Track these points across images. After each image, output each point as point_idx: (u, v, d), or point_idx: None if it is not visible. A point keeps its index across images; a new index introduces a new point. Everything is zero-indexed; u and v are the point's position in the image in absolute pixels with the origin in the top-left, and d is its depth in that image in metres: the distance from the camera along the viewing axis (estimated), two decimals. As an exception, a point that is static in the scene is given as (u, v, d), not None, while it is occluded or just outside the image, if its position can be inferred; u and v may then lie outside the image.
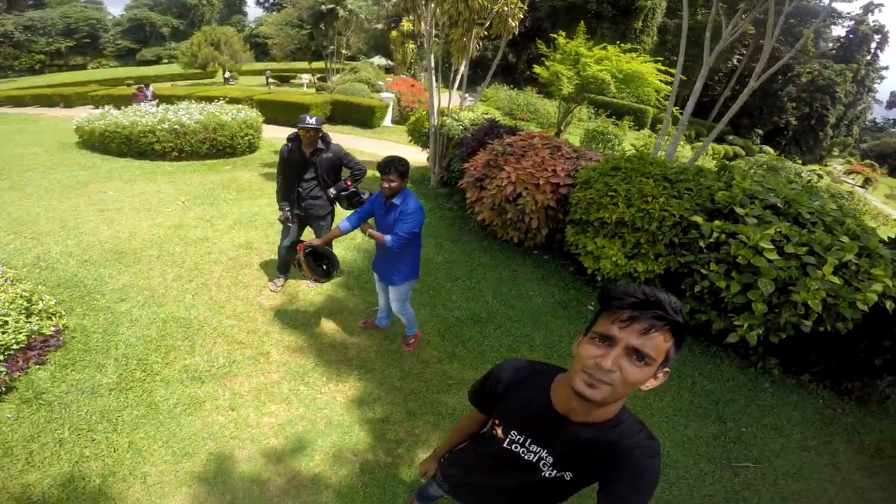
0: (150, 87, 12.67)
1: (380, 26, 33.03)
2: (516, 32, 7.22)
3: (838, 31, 39.73)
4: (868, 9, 39.53)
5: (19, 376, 2.86)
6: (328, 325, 3.74)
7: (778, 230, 3.25)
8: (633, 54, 9.83)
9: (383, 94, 15.55)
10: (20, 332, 2.94)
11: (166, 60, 51.81)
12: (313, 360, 3.33)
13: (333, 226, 3.72)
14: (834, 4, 29.42)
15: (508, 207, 4.84)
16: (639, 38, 29.95)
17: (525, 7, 7.08)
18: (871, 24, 39.69)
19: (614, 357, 0.87)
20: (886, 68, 42.40)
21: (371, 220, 3.07)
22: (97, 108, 10.12)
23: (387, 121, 13.89)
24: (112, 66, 54.32)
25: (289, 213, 3.86)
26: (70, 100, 17.83)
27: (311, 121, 3.57)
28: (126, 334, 3.38)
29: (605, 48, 9.81)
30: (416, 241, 3.01)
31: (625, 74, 9.36)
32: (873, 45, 39.98)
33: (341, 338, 3.61)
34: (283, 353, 3.37)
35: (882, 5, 39.63)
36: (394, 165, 2.79)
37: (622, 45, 10.15)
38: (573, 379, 0.92)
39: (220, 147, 8.34)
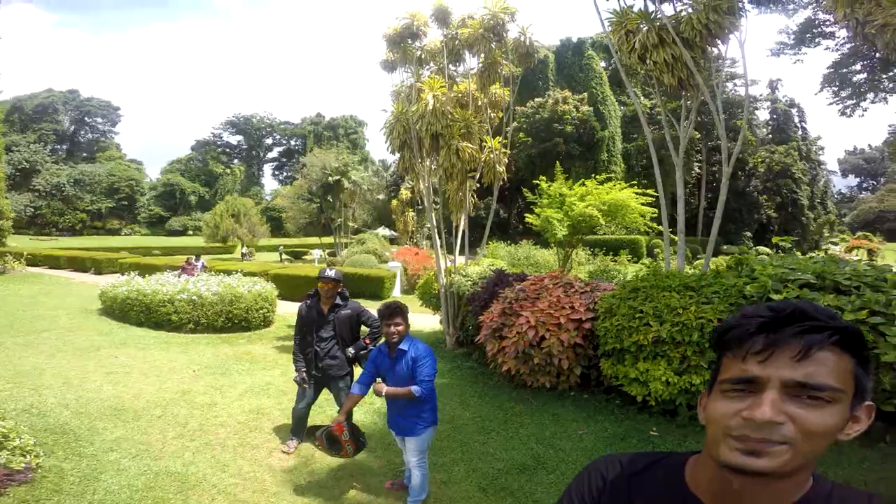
0: (202, 260, 13.09)
1: (381, 197, 36.94)
2: (505, 178, 7.85)
3: (763, 115, 43.74)
4: (772, 87, 44.60)
5: None
6: (349, 488, 3.40)
7: (826, 304, 3.10)
8: (610, 184, 10.75)
9: (390, 264, 15.75)
10: None
11: (191, 232, 55.90)
12: (335, 524, 2.96)
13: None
14: (737, 91, 33.66)
15: (534, 353, 4.67)
16: (609, 169, 33.16)
17: (508, 151, 7.78)
18: (783, 101, 44.29)
19: (772, 403, 0.59)
20: (819, 138, 45.78)
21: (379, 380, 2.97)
22: (123, 274, 10.58)
23: (396, 291, 13.80)
24: (143, 233, 58.68)
25: (304, 374, 3.76)
26: (101, 266, 18.61)
27: (330, 273, 3.67)
28: (109, 482, 3.24)
29: (583, 184, 10.77)
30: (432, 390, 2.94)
31: (608, 206, 10.05)
32: (796, 119, 44.01)
33: (366, 500, 3.23)
34: None
35: (780, 80, 45.12)
36: (398, 310, 2.80)
37: (597, 176, 11.18)
38: (718, 451, 0.63)
39: (236, 320, 8.49)
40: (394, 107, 7.42)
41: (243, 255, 29.96)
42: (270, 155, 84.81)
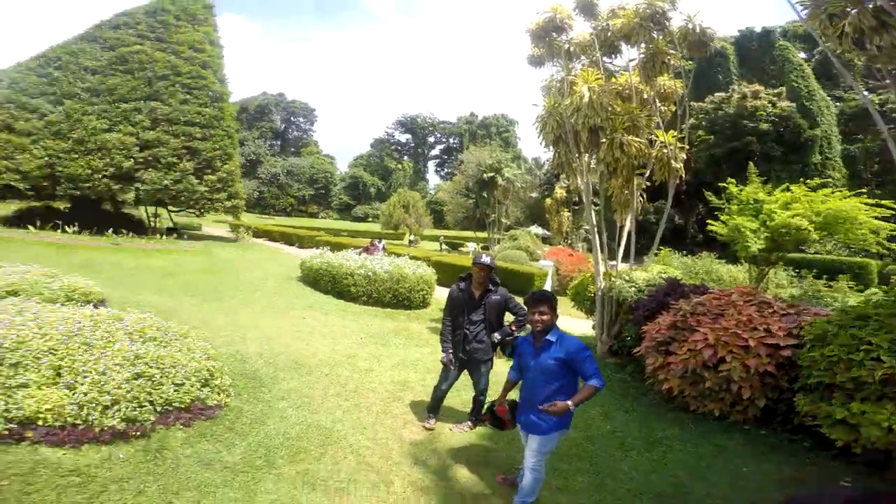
0: (382, 242, 15.35)
1: (534, 195, 36.69)
2: (683, 175, 7.01)
3: None
4: None
5: (161, 429, 3.27)
6: (462, 473, 3.51)
7: None
8: (827, 190, 8.47)
9: (542, 262, 15.70)
10: (188, 395, 3.50)
11: (370, 219, 63.86)
12: (435, 502, 3.12)
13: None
14: None
15: (707, 375, 4.14)
16: (823, 174, 26.72)
17: (686, 147, 6.93)
18: None
19: None
20: None
21: None
22: (318, 249, 12.86)
23: (546, 288, 13.78)
24: (334, 217, 69.21)
25: (451, 356, 3.90)
26: (303, 241, 22.88)
27: (485, 259, 3.77)
28: (271, 427, 3.71)
29: (788, 189, 8.71)
30: (574, 386, 2.76)
31: (824, 217, 7.90)
32: None
33: (474, 488, 3.32)
34: (407, 487, 3.25)
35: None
36: (545, 298, 2.73)
37: (808, 182, 8.88)
38: None
39: (400, 297, 9.53)
40: (545, 101, 7.22)
41: (410, 241, 33.03)
42: (433, 152, 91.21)
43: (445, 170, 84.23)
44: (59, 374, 3.22)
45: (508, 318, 4.10)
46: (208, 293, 8.96)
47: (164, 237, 17.15)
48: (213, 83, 19.18)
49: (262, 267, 13.64)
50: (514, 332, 3.81)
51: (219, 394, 3.88)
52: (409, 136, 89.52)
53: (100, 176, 16.18)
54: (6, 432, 2.82)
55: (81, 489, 2.67)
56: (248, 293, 9.42)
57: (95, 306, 5.57)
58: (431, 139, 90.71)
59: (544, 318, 2.73)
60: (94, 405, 3.08)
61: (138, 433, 3.16)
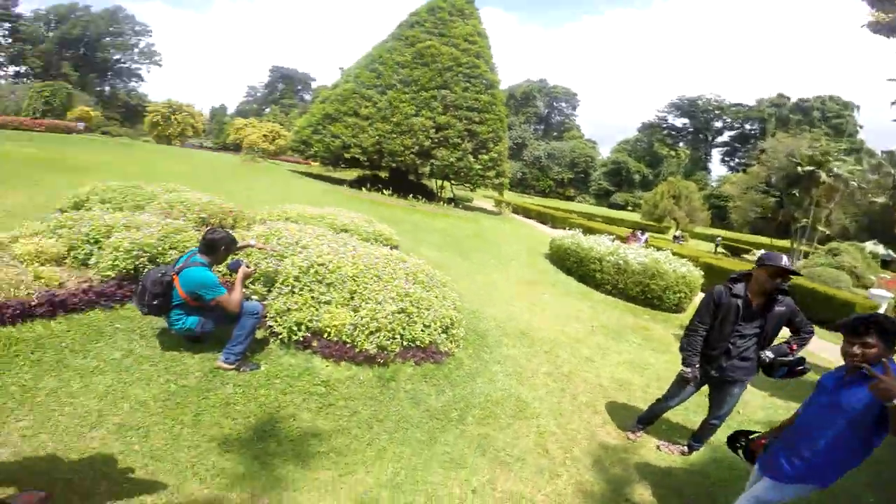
0: (645, 235, 14.49)
1: (880, 200, 26.15)
2: None
3: None
4: None
5: (399, 362, 3.74)
6: (642, 493, 3.08)
7: None
8: None
9: (874, 292, 11.66)
10: (429, 337, 3.98)
11: (630, 208, 60.57)
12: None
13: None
14: None
15: None
16: None
17: None
18: None
19: None
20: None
21: None
22: (569, 229, 12.81)
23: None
24: (590, 202, 68.77)
25: (697, 371, 3.18)
26: (555, 221, 23.89)
27: (784, 261, 2.84)
28: (477, 386, 3.90)
29: None
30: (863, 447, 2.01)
31: None
32: None
33: None
34: (571, 485, 3.04)
35: None
36: (876, 324, 1.89)
37: None
38: None
39: (650, 295, 8.41)
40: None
41: (675, 237, 28.75)
42: (720, 139, 77.26)
43: (737, 159, 70.80)
44: (351, 298, 4.05)
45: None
46: (472, 254, 10.08)
47: (446, 205, 20.21)
48: (485, 72, 21.02)
49: (518, 239, 14.52)
50: (792, 352, 2.91)
51: (452, 343, 4.24)
52: (686, 120, 78.21)
53: (408, 153, 20.21)
54: (302, 339, 3.69)
55: (320, 399, 3.22)
56: (503, 261, 10.14)
57: (390, 249, 7.07)
58: (718, 124, 76.58)
59: (871, 351, 1.92)
60: (364, 329, 3.77)
61: (381, 361, 3.72)
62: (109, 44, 65.61)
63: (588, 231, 13.62)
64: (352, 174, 23.69)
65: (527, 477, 3.03)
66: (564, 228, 17.33)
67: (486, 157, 20.57)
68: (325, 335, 3.74)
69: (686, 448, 3.59)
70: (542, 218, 25.93)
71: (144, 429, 2.64)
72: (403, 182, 21.18)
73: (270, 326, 3.80)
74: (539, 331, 5.74)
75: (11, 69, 58.45)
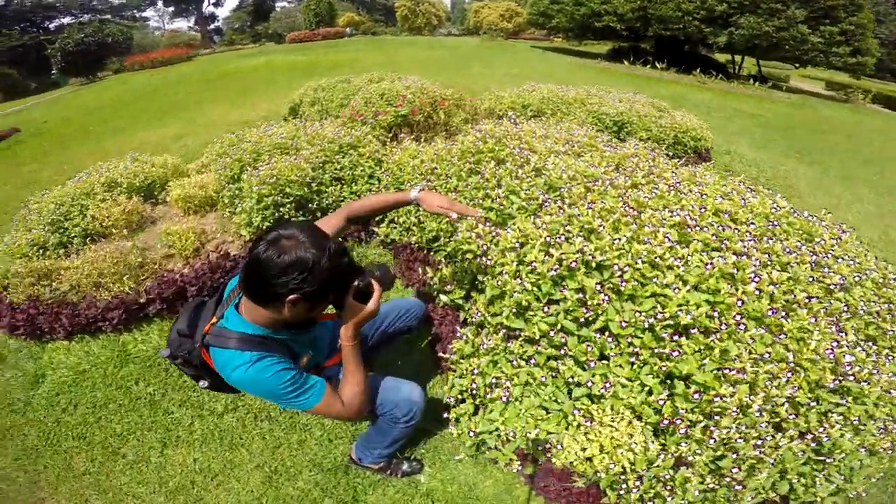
0: None
1: None
2: None
3: None
4: None
5: None
6: None
7: None
8: None
9: None
10: None
11: None
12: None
13: None
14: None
15: None
16: None
17: None
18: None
19: None
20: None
21: None
22: None
23: None
24: None
25: None
26: None
27: None
28: None
29: None
30: None
31: None
32: None
33: None
34: None
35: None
36: None
37: None
38: None
39: None
40: None
41: None
42: None
43: None
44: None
45: None
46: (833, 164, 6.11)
47: (754, 84, 14.81)
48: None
49: None
50: None
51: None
52: None
53: (690, 18, 15.35)
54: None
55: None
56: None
57: (700, 156, 4.29)
58: None
59: None
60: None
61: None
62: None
63: None
64: (602, 47, 19.69)
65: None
66: None
67: (833, 28, 14.25)
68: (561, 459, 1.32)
69: None
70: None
71: None
72: (675, 54, 16.33)
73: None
74: None
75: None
